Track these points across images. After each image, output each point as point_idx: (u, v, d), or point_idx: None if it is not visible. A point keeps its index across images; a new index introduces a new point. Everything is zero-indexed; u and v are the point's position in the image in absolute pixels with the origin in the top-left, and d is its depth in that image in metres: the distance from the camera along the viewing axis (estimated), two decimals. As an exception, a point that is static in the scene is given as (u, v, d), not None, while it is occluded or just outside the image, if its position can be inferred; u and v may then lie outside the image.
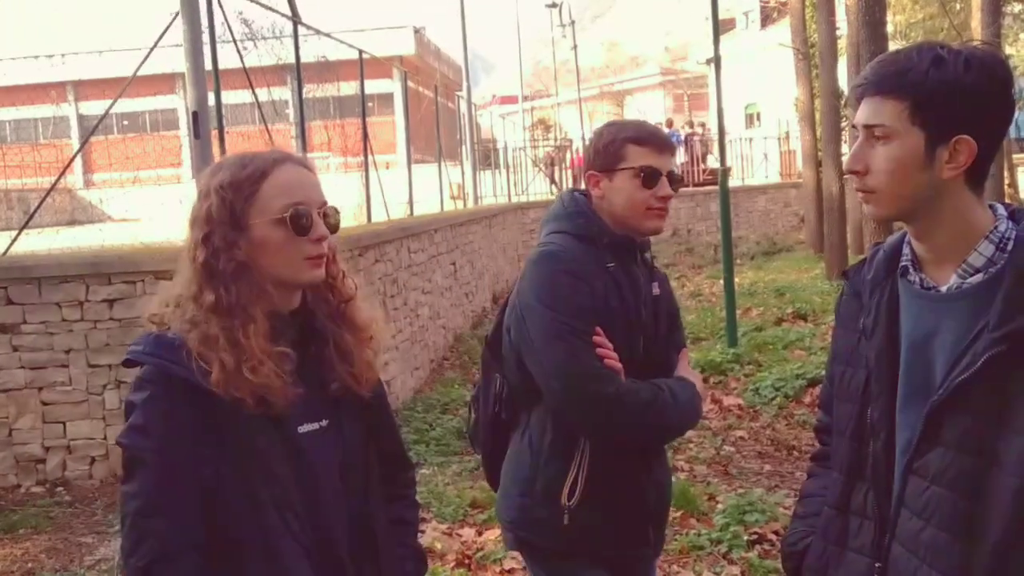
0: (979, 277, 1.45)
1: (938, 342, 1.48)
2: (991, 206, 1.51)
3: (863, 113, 1.49)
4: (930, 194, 1.46)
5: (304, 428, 1.64)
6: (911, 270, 1.55)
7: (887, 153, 1.46)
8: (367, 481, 1.73)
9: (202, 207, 1.62)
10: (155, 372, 1.57)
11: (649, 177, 2.13)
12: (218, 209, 1.60)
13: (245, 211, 1.60)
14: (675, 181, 2.19)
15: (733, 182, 18.84)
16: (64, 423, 5.85)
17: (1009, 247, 1.44)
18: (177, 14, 6.13)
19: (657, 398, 2.08)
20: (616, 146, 2.17)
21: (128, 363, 1.60)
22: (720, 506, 4.75)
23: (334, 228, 1.67)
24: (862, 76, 1.50)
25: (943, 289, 1.49)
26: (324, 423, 1.68)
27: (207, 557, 1.57)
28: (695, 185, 21.77)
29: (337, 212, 1.69)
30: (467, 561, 4.22)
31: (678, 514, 4.65)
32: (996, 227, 1.47)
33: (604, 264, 2.14)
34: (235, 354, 1.54)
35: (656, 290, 2.24)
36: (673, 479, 2.32)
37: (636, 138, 2.16)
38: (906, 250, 1.57)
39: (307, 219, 1.60)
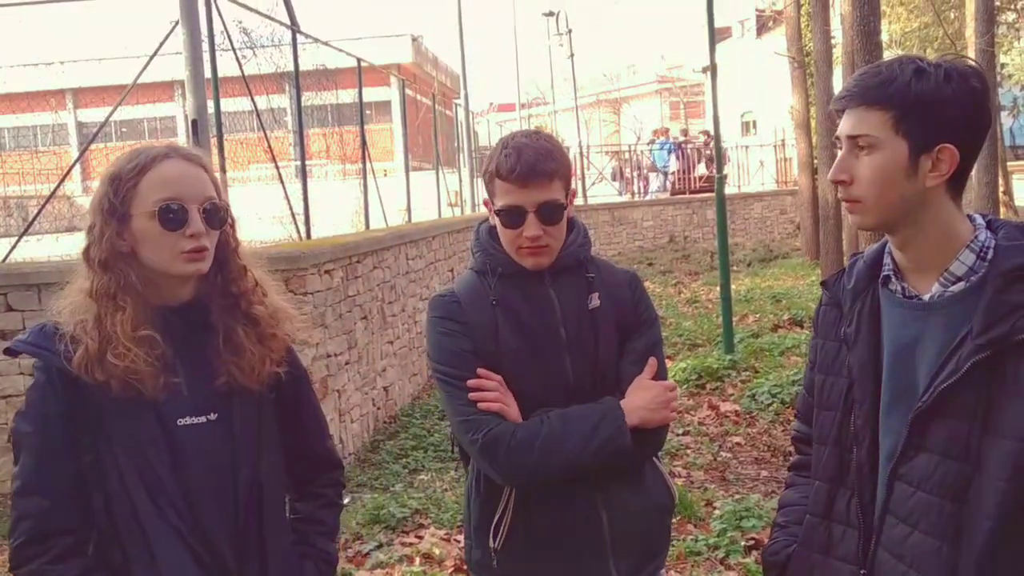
0: (961, 285, 1.49)
1: (921, 349, 1.51)
2: (969, 216, 1.54)
3: (847, 124, 1.52)
4: (914, 203, 1.49)
5: (186, 421, 1.67)
6: (893, 279, 1.58)
7: (872, 163, 1.49)
8: (261, 477, 1.73)
9: (94, 197, 1.70)
10: (40, 361, 1.64)
11: (509, 218, 1.97)
12: (100, 199, 1.67)
13: (126, 203, 1.65)
14: (551, 213, 1.96)
15: (729, 189, 18.92)
16: (63, 429, 5.85)
17: (989, 256, 1.48)
18: (177, 22, 6.17)
19: (538, 433, 1.91)
20: (488, 178, 2.02)
21: (8, 352, 1.69)
22: (717, 512, 4.78)
23: (219, 224, 1.69)
24: (845, 89, 1.54)
25: (925, 297, 1.52)
26: (212, 416, 1.70)
27: (84, 541, 1.63)
28: (691, 192, 21.83)
29: (225, 208, 1.71)
30: (465, 567, 4.24)
31: (675, 520, 4.68)
32: (976, 236, 1.50)
33: (490, 300, 2.03)
34: (100, 339, 1.60)
35: (594, 302, 2.04)
36: (658, 501, 2.12)
37: (498, 172, 1.97)
38: (887, 259, 1.60)
39: (179, 214, 1.63)
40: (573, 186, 2.12)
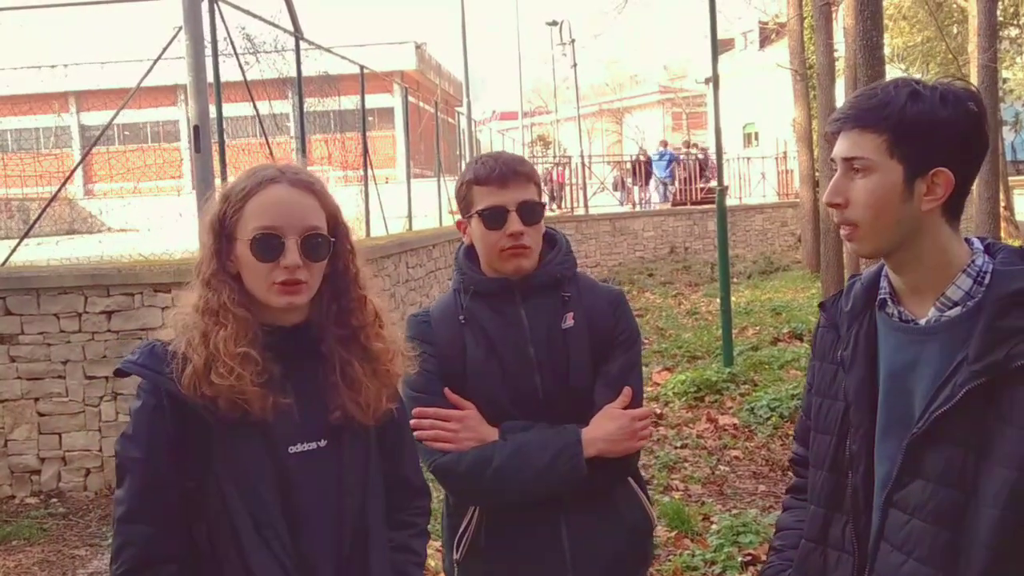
0: (957, 310, 1.47)
1: (917, 374, 1.49)
2: (967, 240, 1.53)
3: (842, 146, 1.50)
4: (910, 227, 1.48)
5: (297, 448, 1.63)
6: (889, 303, 1.56)
7: (866, 186, 1.48)
8: (366, 505, 1.70)
9: (211, 212, 1.66)
10: (149, 383, 1.59)
11: (491, 218, 2.00)
12: (213, 217, 1.64)
13: (233, 225, 1.62)
14: (531, 212, 2.01)
15: (730, 201, 18.93)
16: (60, 434, 5.85)
17: (986, 280, 1.46)
18: (180, 28, 6.18)
19: (489, 462, 1.93)
20: (464, 191, 2.06)
21: (119, 372, 1.63)
22: (714, 526, 4.75)
23: (320, 256, 1.63)
24: (840, 111, 1.52)
25: (921, 322, 1.50)
26: (322, 443, 1.66)
27: (187, 569, 1.57)
28: (692, 203, 21.84)
29: (328, 241, 1.64)
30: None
31: (672, 534, 4.66)
32: (973, 260, 1.49)
33: (459, 317, 2.06)
34: (206, 356, 1.56)
35: (568, 322, 2.06)
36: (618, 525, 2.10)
37: (476, 178, 2.03)
38: (884, 283, 1.58)
39: (273, 245, 1.58)
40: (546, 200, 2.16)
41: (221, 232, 1.62)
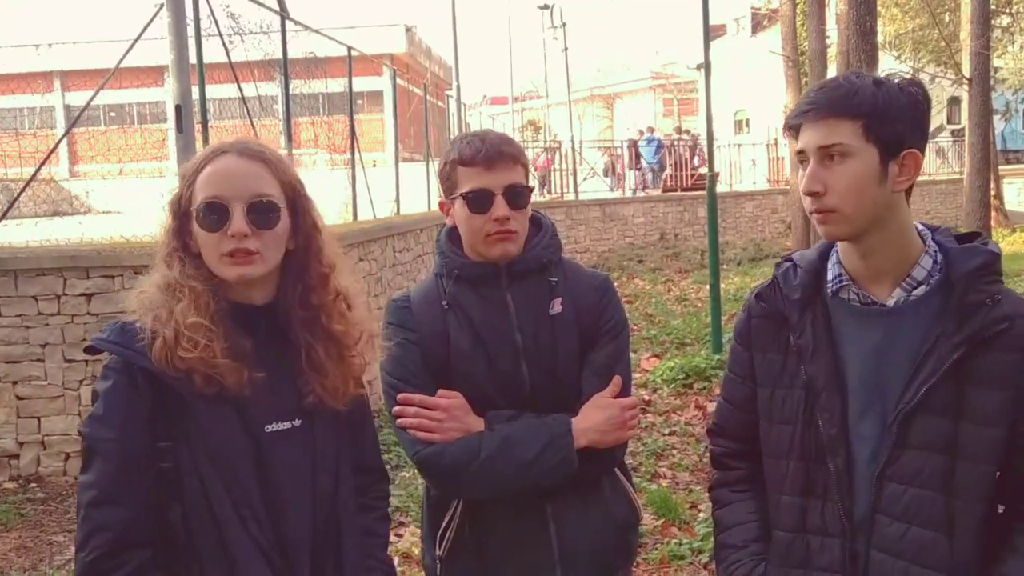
0: (923, 289, 1.57)
1: (892, 354, 1.58)
2: None
3: (815, 136, 1.56)
4: (883, 209, 1.56)
5: (272, 427, 1.61)
6: (853, 287, 1.62)
7: (846, 171, 1.54)
8: (337, 487, 1.68)
9: (172, 192, 1.65)
10: (119, 361, 1.55)
11: (475, 201, 1.92)
12: (173, 197, 1.63)
13: (187, 201, 1.60)
14: (518, 196, 1.94)
15: (721, 188, 18.88)
16: (39, 418, 5.76)
17: (938, 258, 1.57)
18: (162, 6, 6.06)
19: (475, 455, 1.86)
20: (448, 171, 1.98)
21: (90, 350, 1.59)
22: (702, 515, 4.72)
23: (269, 224, 1.58)
24: (806, 103, 1.58)
25: (889, 303, 1.59)
26: (296, 423, 1.64)
27: (160, 553, 1.53)
28: (683, 190, 21.80)
29: (278, 209, 1.60)
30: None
31: (659, 523, 4.62)
32: (926, 241, 1.60)
33: (443, 303, 1.99)
34: (174, 330, 1.53)
35: (556, 308, 1.98)
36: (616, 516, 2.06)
37: (461, 159, 1.95)
38: (838, 269, 1.64)
39: (218, 214, 1.56)
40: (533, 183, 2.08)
41: (179, 210, 1.61)
